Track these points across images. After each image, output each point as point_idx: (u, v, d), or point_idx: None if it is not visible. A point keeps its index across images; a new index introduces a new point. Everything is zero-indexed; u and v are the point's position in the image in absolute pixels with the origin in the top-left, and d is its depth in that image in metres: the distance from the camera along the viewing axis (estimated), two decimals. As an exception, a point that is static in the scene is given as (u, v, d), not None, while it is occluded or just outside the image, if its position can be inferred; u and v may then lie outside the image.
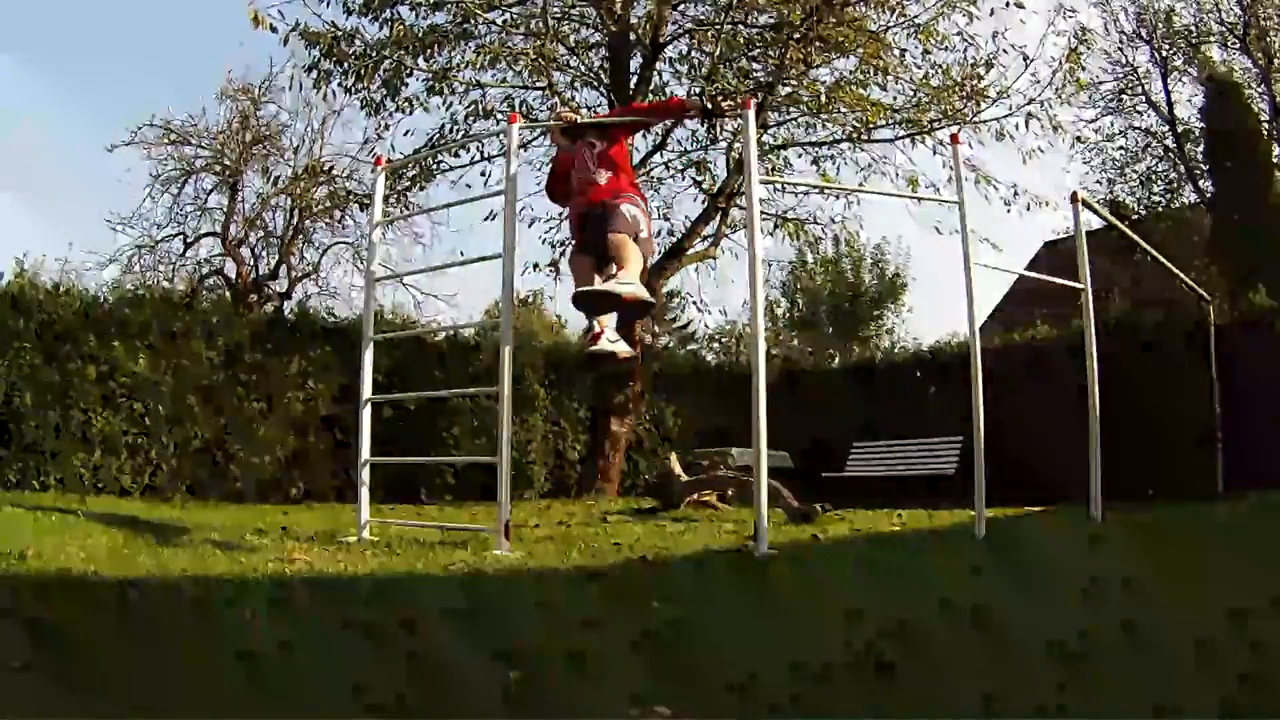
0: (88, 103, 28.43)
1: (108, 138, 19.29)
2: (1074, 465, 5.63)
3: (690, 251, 9.79)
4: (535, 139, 9.86)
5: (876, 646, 1.88)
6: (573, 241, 4.73)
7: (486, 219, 9.42)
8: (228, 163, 15.44)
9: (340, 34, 8.62)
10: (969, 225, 4.73)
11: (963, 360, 6.31)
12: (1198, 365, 7.63)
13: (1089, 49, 9.34)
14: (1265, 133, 13.81)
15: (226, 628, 2.10)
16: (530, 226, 10.12)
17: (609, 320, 4.40)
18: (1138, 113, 16.21)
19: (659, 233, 10.03)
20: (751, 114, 4.20)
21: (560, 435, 9.38)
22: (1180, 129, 15.53)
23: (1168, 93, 15.77)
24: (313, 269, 16.42)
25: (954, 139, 5.35)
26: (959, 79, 8.84)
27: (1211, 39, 15.25)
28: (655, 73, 9.46)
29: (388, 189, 8.07)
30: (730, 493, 6.87)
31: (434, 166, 9.66)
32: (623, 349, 4.40)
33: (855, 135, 9.32)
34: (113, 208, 22.57)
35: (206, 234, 15.84)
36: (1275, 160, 13.68)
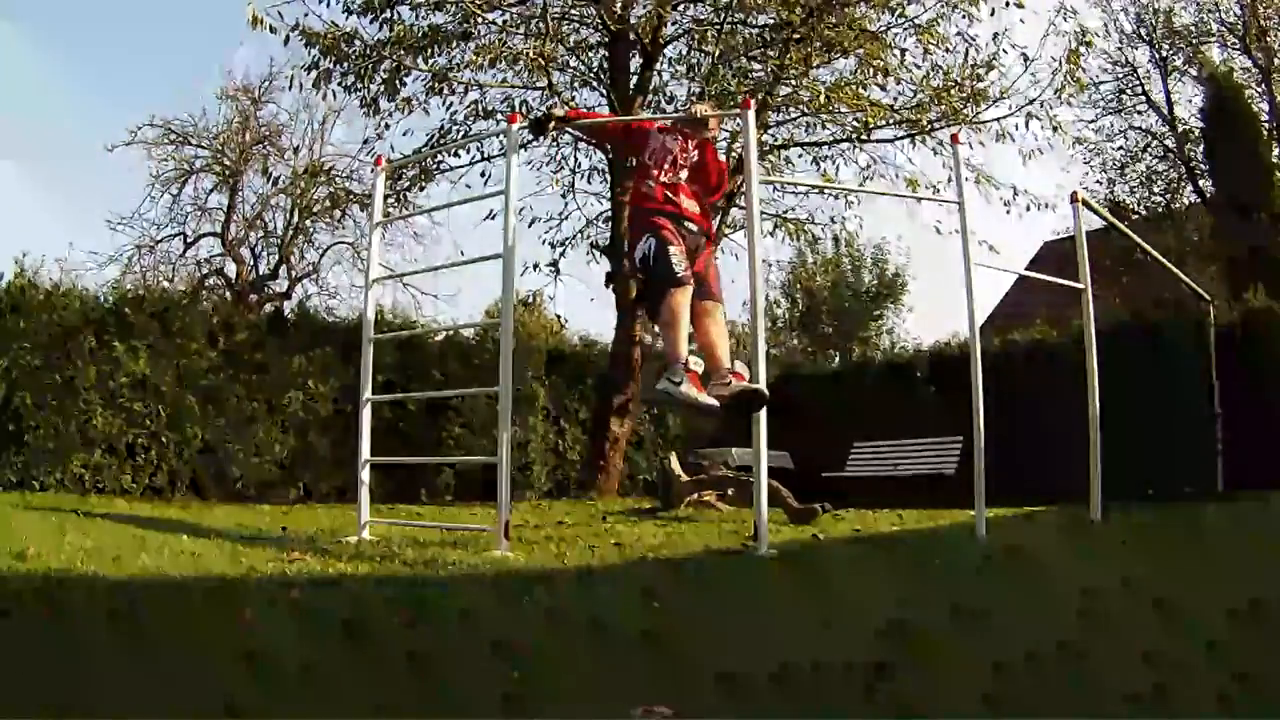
0: (87, 102, 28.40)
1: (107, 137, 19.31)
2: (1077, 464, 5.62)
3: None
4: (535, 139, 9.85)
5: (877, 647, 1.88)
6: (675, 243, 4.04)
7: (486, 219, 9.43)
8: (228, 163, 15.46)
9: (340, 34, 8.62)
10: (969, 225, 4.74)
11: (963, 360, 6.30)
12: (1197, 365, 7.63)
13: (1089, 49, 9.33)
14: (1265, 133, 13.81)
15: (226, 628, 2.09)
16: (530, 226, 10.14)
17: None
18: (1138, 113, 16.21)
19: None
20: (751, 114, 4.19)
21: (560, 435, 9.38)
22: (1180, 129, 15.53)
23: (1168, 93, 15.77)
24: (313, 269, 16.46)
25: (954, 139, 5.35)
26: (959, 79, 8.84)
27: (1211, 39, 15.25)
28: (655, 73, 9.46)
29: (388, 189, 8.07)
30: (730, 493, 6.87)
31: (434, 166, 9.67)
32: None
33: (855, 135, 9.32)
34: (113, 208, 22.60)
35: (206, 234, 15.88)
36: (1275, 160, 13.68)
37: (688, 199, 4.25)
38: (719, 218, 9.79)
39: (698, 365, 3.99)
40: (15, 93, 22.41)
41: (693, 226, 4.23)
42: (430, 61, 9.08)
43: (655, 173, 4.25)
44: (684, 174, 4.27)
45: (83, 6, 26.15)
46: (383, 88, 9.01)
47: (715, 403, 3.97)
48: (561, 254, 10.35)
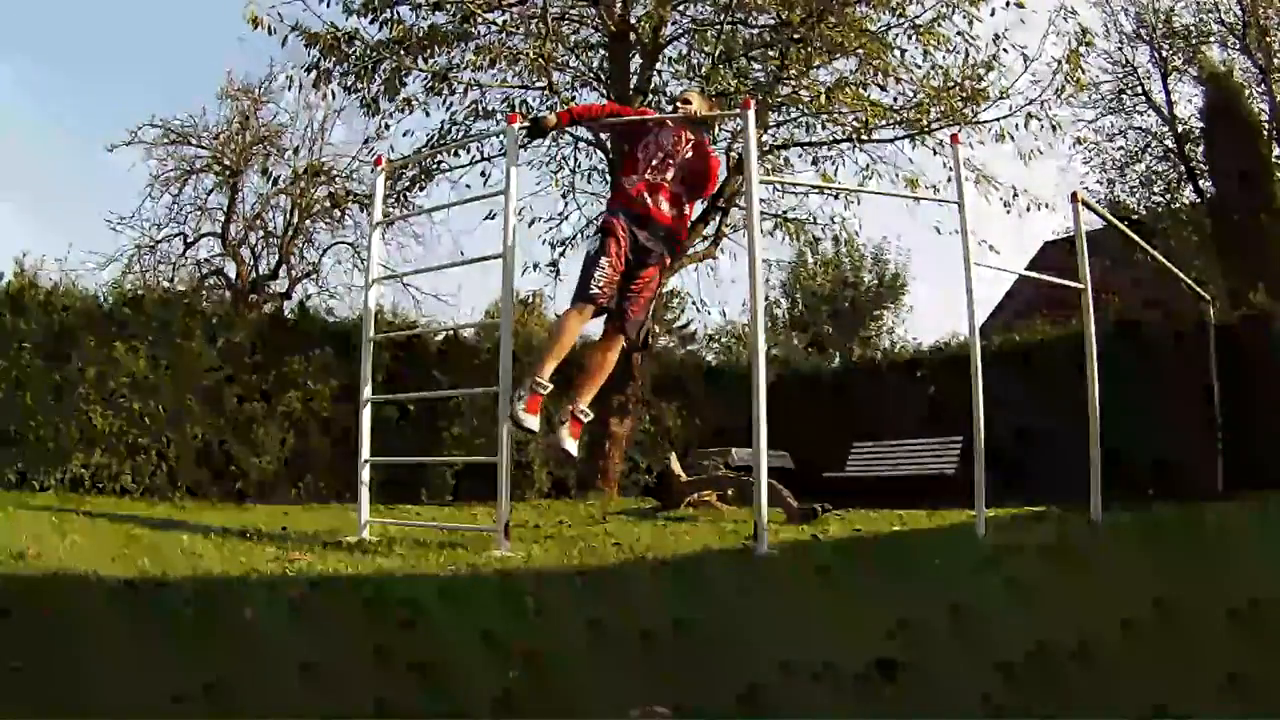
0: (87, 104, 28.42)
1: (107, 138, 19.27)
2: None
3: (690, 251, 9.79)
4: (533, 141, 9.85)
5: (877, 646, 1.88)
6: (610, 246, 4.05)
7: (486, 219, 9.42)
8: (228, 163, 15.44)
9: (340, 34, 8.62)
10: (969, 225, 4.74)
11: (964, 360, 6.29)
12: (1197, 365, 7.63)
13: (1089, 49, 9.33)
14: (1265, 133, 13.80)
15: (226, 628, 2.09)
16: (530, 226, 10.14)
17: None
18: (1138, 113, 16.22)
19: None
20: (751, 114, 4.18)
21: (560, 435, 9.36)
22: (1180, 129, 15.52)
23: (1168, 93, 15.77)
24: (313, 269, 16.43)
25: (954, 139, 5.35)
26: (959, 79, 8.83)
27: (1211, 39, 15.25)
28: (655, 73, 9.46)
29: (388, 189, 8.07)
30: (730, 493, 6.88)
31: (434, 166, 9.67)
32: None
33: (855, 135, 9.32)
34: (113, 208, 22.56)
35: (206, 234, 15.85)
36: (1275, 160, 13.68)
37: (666, 202, 4.22)
38: (719, 218, 9.81)
39: (543, 390, 3.98)
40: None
41: (660, 232, 4.21)
42: (430, 61, 9.07)
43: (642, 168, 4.24)
44: (670, 173, 4.26)
45: (83, 9, 26.15)
46: (383, 88, 9.01)
47: (535, 430, 4.05)
48: (561, 254, 10.35)
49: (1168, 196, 15.92)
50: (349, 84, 9.00)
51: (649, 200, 4.18)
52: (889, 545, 4.40)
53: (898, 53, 8.91)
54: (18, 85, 26.24)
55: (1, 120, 21.67)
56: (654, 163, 4.23)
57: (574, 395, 4.18)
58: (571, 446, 4.13)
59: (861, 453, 9.87)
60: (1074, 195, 5.75)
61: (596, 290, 4.00)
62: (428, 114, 9.76)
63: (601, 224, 4.21)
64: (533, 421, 3.98)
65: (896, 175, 9.69)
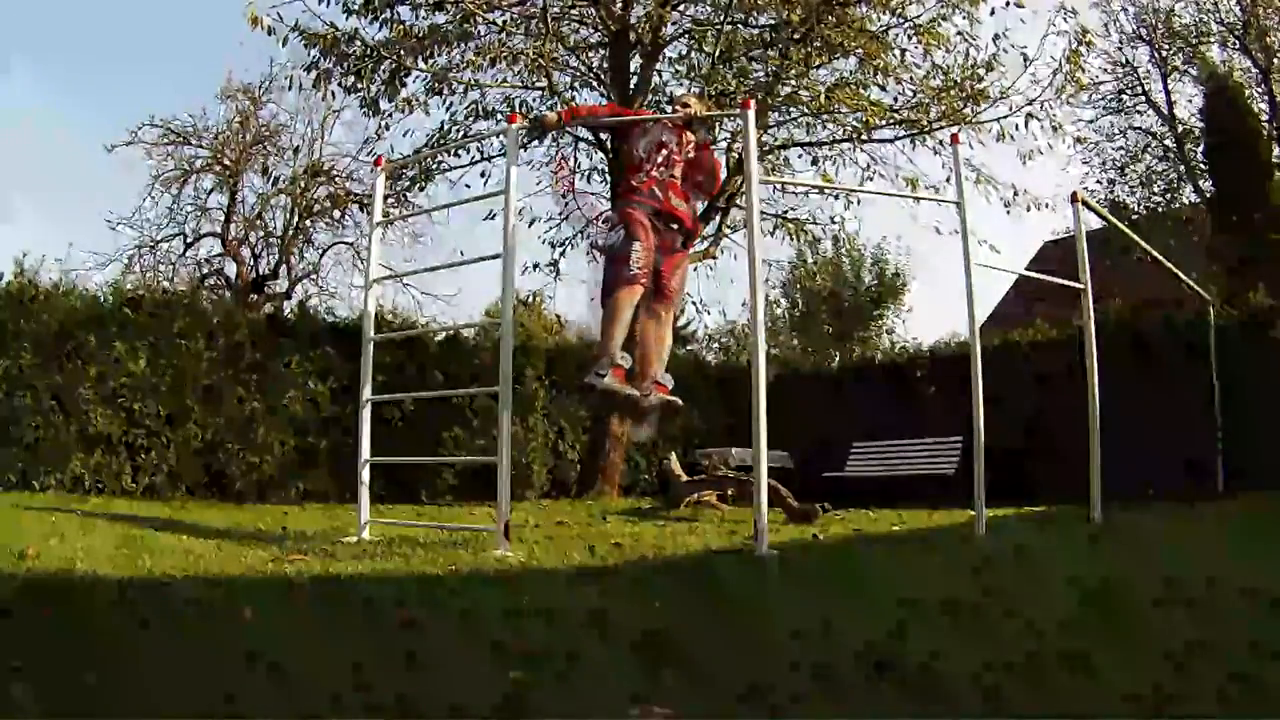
0: (87, 103, 28.43)
1: (107, 138, 19.26)
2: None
3: (690, 251, 9.78)
4: (534, 140, 9.86)
5: (877, 646, 1.88)
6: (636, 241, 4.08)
7: (486, 219, 9.42)
8: (228, 163, 15.44)
9: (340, 34, 8.63)
10: (969, 225, 4.75)
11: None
12: (1197, 365, 7.63)
13: (1089, 49, 9.32)
14: (1265, 133, 13.80)
15: (226, 628, 2.09)
16: (530, 226, 10.13)
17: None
18: (1138, 113, 16.21)
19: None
20: (751, 114, 4.19)
21: (560, 435, 9.38)
22: (1180, 129, 15.52)
23: (1167, 93, 15.77)
24: (313, 269, 16.43)
25: (954, 139, 5.35)
26: (959, 79, 8.83)
27: (1211, 39, 15.25)
28: (655, 73, 9.47)
29: (388, 189, 8.07)
30: (730, 493, 6.88)
31: (434, 166, 9.67)
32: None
33: (855, 135, 9.32)
34: (113, 208, 22.55)
35: (206, 234, 15.85)
36: (1275, 160, 13.67)
37: (677, 197, 4.27)
38: (719, 218, 9.80)
39: (625, 361, 4.06)
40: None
41: (674, 225, 4.25)
42: (430, 61, 9.08)
43: (647, 166, 4.27)
44: (677, 170, 4.29)
45: (82, 11, 26.14)
46: (383, 88, 9.01)
47: (636, 392, 4.08)
48: (561, 254, 10.35)
49: (1168, 196, 15.92)
50: (349, 84, 9.01)
51: (659, 195, 4.22)
52: (888, 545, 4.40)
53: (898, 53, 8.91)
54: (18, 84, 26.22)
55: (3, 119, 21.65)
56: (659, 160, 4.27)
57: (645, 371, 4.26)
58: (669, 398, 4.28)
59: (861, 453, 9.86)
60: (1074, 195, 5.75)
61: (636, 270, 4.05)
62: (427, 113, 9.79)
63: (619, 216, 4.23)
64: (626, 387, 4.07)
65: (896, 175, 9.70)
